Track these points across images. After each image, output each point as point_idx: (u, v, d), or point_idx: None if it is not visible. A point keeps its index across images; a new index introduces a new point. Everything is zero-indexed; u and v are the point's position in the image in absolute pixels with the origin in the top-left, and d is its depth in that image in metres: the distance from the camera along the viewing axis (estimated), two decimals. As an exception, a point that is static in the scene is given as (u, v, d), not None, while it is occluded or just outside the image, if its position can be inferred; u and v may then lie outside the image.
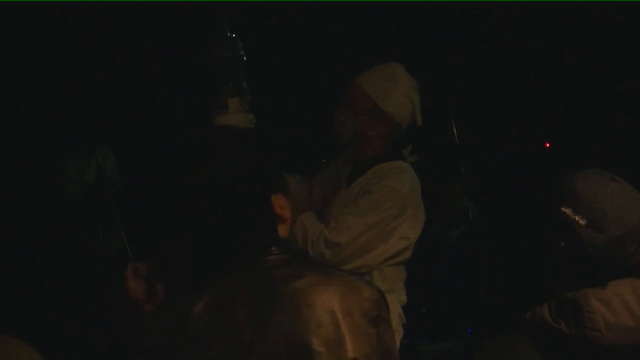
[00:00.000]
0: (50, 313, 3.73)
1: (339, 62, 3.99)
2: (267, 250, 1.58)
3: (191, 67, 4.37)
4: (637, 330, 1.69)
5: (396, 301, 2.69)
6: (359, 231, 2.56)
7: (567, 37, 4.68)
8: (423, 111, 2.77)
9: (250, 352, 1.48)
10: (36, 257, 4.07)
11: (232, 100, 2.45)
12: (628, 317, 1.69)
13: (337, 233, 2.55)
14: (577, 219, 1.72)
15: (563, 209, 1.74)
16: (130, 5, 4.16)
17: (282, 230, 1.66)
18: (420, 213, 2.76)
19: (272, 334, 1.48)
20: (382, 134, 2.71)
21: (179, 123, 4.35)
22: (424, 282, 4.00)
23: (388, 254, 2.63)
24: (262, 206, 1.62)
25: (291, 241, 1.66)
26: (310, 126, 4.19)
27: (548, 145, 5.00)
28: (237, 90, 2.50)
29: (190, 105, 4.07)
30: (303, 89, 4.64)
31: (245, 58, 2.53)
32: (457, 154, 3.91)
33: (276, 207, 1.64)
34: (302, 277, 1.54)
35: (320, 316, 1.49)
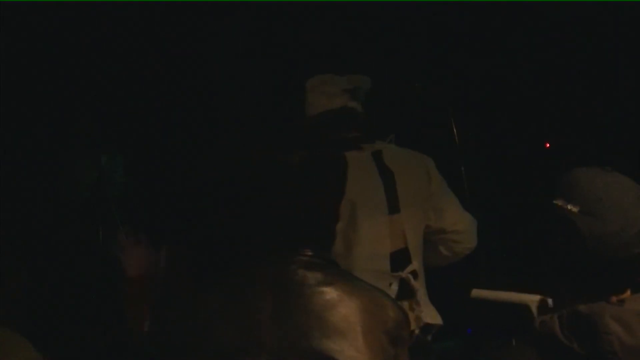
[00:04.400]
0: (50, 313, 3.73)
1: (340, 62, 3.99)
2: (300, 250, 1.59)
3: (197, 68, 4.37)
4: None
5: None
6: None
7: (568, 36, 4.68)
8: (423, 111, 2.77)
9: (261, 349, 1.48)
10: (36, 257, 4.07)
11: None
12: None
13: None
14: (569, 207, 1.67)
15: (555, 201, 1.71)
16: (134, 6, 4.15)
17: None
18: None
19: (290, 335, 1.48)
20: None
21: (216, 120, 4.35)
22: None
23: None
24: (303, 205, 1.62)
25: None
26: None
27: (548, 145, 4.99)
28: None
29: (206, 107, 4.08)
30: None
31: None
32: (457, 154, 3.90)
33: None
34: (331, 284, 1.54)
35: (343, 326, 1.48)
